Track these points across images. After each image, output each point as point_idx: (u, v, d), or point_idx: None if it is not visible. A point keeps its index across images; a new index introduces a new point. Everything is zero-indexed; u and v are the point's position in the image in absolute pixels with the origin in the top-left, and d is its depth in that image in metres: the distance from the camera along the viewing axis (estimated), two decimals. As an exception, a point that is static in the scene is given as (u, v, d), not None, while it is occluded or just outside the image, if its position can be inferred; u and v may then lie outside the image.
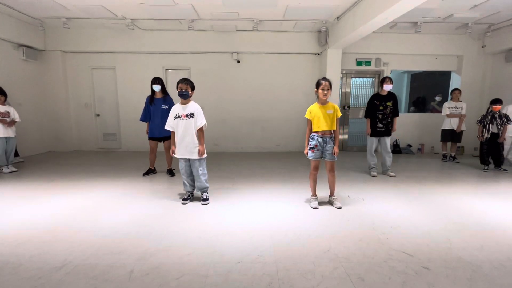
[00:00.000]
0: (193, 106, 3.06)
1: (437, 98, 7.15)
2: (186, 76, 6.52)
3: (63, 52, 6.40)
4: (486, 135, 4.75)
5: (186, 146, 3.01)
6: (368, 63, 6.57)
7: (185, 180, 3.16)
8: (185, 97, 3.00)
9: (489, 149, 4.81)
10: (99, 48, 6.34)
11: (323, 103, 2.91)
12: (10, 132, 4.51)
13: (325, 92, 2.83)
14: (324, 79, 2.88)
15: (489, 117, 4.74)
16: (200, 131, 3.05)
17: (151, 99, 4.17)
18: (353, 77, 6.79)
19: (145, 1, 4.70)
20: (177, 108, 3.07)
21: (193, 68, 6.52)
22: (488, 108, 4.82)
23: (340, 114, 2.96)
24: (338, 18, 5.34)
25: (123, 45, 6.30)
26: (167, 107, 4.14)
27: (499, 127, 4.67)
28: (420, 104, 8.17)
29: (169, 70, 6.67)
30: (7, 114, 4.47)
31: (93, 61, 6.53)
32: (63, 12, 5.23)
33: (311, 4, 4.75)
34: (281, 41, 6.36)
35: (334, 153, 2.92)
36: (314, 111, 2.92)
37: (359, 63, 6.56)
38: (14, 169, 4.55)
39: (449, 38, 6.39)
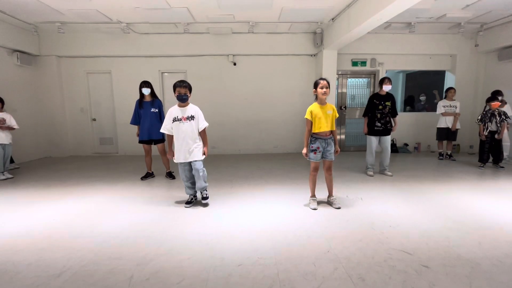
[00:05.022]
0: (192, 108, 3.03)
1: (422, 98, 7.25)
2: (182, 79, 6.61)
3: (58, 57, 6.36)
4: (485, 133, 4.77)
5: (188, 150, 2.98)
6: (363, 63, 6.61)
7: (186, 184, 3.14)
8: (184, 100, 2.98)
9: (490, 147, 4.84)
10: (95, 53, 6.31)
11: (323, 103, 2.92)
12: (6, 139, 4.48)
13: (324, 90, 2.82)
14: (322, 78, 2.90)
15: (488, 115, 4.76)
16: (204, 133, 3.07)
17: (140, 102, 4.17)
18: (349, 78, 6.84)
19: (140, 5, 4.69)
20: (175, 111, 3.01)
21: (189, 71, 6.52)
22: (485, 106, 4.83)
23: (337, 115, 3.02)
24: (333, 19, 5.38)
25: (118, 49, 6.28)
26: (156, 110, 4.17)
27: (498, 125, 4.71)
28: (409, 102, 8.20)
29: (165, 74, 6.66)
30: (2, 120, 4.44)
31: (88, 66, 6.51)
32: (57, 16, 5.21)
33: (305, 6, 4.78)
34: (277, 43, 6.38)
35: (336, 152, 3.00)
36: (315, 111, 2.90)
37: (354, 63, 6.60)
38: (10, 176, 4.50)
39: (443, 38, 6.47)
